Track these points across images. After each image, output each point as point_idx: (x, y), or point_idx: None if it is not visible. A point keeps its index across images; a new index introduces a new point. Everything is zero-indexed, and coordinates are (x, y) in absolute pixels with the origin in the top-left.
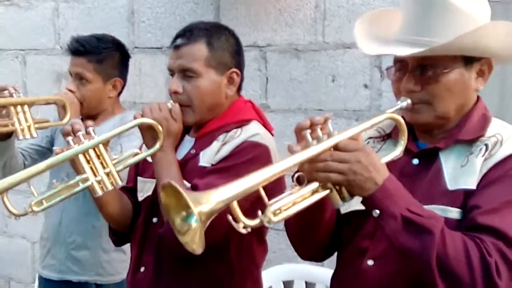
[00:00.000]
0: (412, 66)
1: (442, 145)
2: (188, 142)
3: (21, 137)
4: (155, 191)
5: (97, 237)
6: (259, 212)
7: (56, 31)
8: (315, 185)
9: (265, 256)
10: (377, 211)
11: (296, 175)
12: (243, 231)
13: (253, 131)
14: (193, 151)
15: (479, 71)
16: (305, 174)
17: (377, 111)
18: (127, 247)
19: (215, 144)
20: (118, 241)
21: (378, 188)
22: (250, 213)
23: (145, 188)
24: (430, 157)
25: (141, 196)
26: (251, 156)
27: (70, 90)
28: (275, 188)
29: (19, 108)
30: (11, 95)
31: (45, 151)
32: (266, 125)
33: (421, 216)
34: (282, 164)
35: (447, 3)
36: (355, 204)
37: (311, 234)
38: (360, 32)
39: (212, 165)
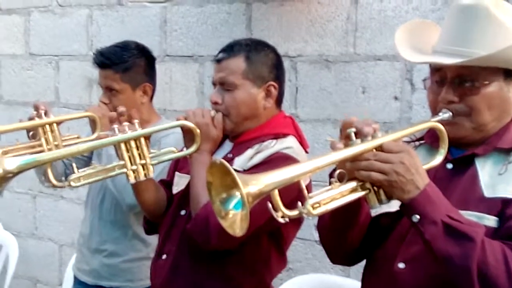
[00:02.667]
0: (451, 77)
1: (481, 151)
2: (228, 146)
3: None
4: (188, 186)
5: (129, 246)
6: (299, 203)
7: (89, 38)
8: (354, 184)
9: (281, 268)
10: (417, 216)
11: (337, 171)
12: (281, 220)
13: (287, 144)
14: (230, 155)
15: None
16: (346, 172)
17: (406, 124)
18: None
19: (249, 151)
20: (149, 230)
21: (420, 192)
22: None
23: (180, 182)
24: (465, 163)
25: (175, 190)
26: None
27: (104, 103)
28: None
29: (47, 127)
30: (39, 116)
31: (85, 160)
32: (302, 142)
33: (462, 223)
34: (327, 158)
35: (491, 16)
36: (386, 206)
37: (345, 235)
38: (400, 41)
39: (244, 170)
